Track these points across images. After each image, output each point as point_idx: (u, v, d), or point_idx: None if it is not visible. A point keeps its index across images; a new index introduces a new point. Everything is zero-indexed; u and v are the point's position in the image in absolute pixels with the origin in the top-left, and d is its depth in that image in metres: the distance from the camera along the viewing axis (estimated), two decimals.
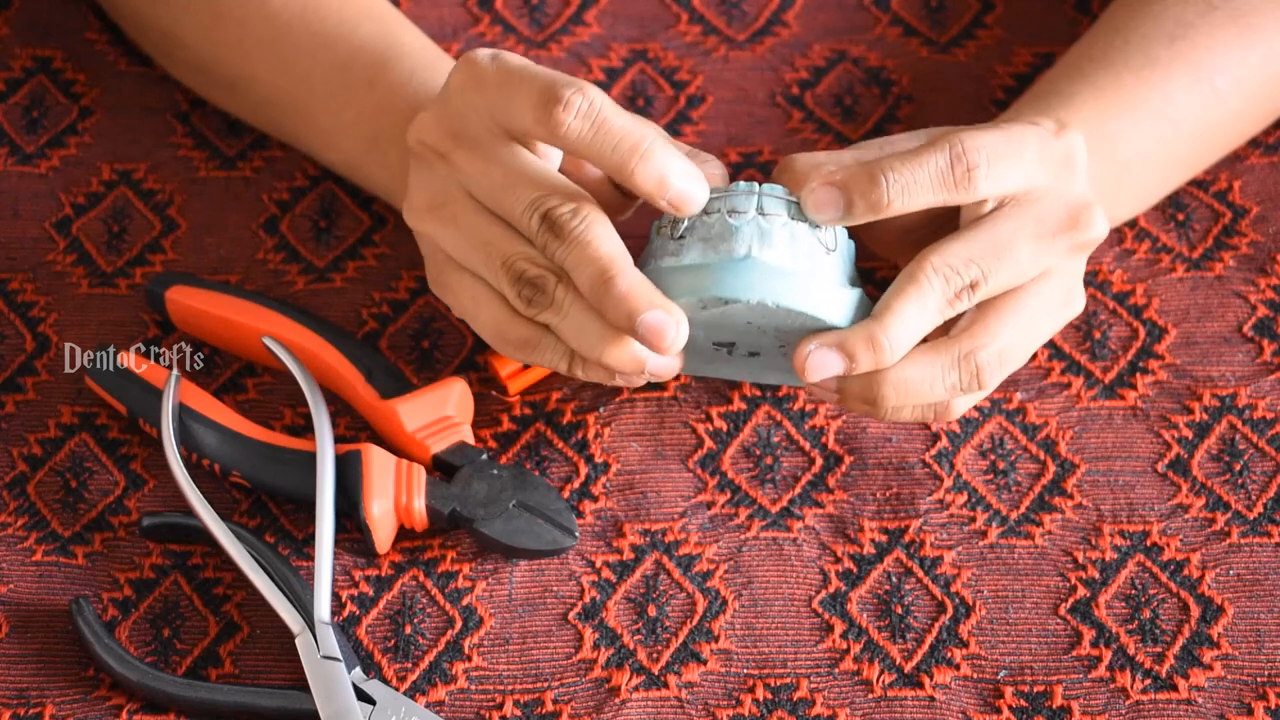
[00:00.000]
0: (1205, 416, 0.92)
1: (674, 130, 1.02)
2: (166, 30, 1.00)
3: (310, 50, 0.94)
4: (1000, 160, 0.81)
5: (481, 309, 0.84)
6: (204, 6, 0.97)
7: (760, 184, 0.82)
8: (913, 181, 0.80)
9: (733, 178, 1.00)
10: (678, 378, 0.93)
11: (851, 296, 0.82)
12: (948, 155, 0.81)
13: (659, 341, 0.79)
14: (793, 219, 0.81)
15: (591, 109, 0.79)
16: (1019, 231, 0.82)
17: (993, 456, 0.91)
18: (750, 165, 1.01)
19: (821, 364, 0.81)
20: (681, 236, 0.82)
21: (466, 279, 0.84)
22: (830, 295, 0.81)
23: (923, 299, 0.81)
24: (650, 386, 0.93)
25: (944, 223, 0.85)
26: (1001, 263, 0.82)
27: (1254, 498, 0.90)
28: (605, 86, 1.04)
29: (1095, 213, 0.84)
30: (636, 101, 1.03)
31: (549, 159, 0.84)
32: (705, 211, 0.81)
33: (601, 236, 0.80)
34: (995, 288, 0.82)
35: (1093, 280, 0.96)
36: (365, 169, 0.94)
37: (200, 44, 0.98)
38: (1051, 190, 0.83)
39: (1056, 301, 0.85)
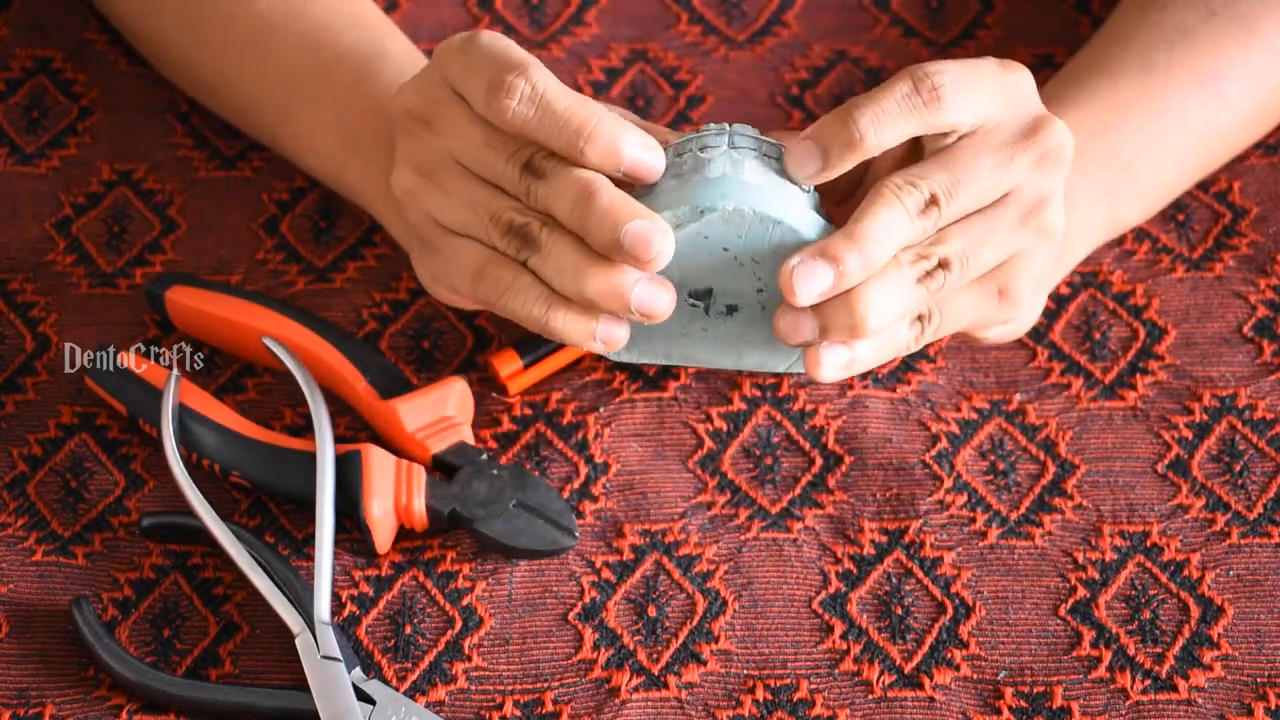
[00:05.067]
0: (1205, 417, 0.92)
1: (674, 130, 1.02)
2: (152, 33, 1.00)
3: (296, 50, 0.94)
4: (962, 80, 0.81)
5: (462, 255, 0.83)
6: (188, 9, 0.97)
7: (730, 125, 0.82)
8: (882, 112, 0.80)
9: None
10: (677, 377, 0.93)
11: (823, 221, 0.81)
12: (910, 80, 0.80)
13: (645, 250, 0.78)
14: (764, 154, 0.81)
15: (534, 93, 0.80)
16: (978, 146, 0.82)
17: (993, 457, 0.91)
18: None
19: (809, 276, 0.79)
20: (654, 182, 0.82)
21: (450, 239, 0.84)
22: (804, 213, 0.81)
23: (892, 208, 0.80)
24: (650, 386, 0.93)
25: None
26: (963, 173, 0.81)
27: (1254, 498, 0.90)
28: (605, 86, 1.04)
29: (1052, 119, 0.83)
30: (636, 101, 1.03)
31: None
32: (677, 154, 0.81)
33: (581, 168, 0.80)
34: (960, 207, 0.82)
35: (1093, 280, 0.96)
36: (342, 171, 0.94)
37: (184, 45, 0.99)
38: (1008, 114, 0.83)
39: (1015, 216, 0.83)
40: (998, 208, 0.83)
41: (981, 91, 0.82)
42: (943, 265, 0.82)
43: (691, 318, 0.84)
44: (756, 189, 0.80)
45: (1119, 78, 0.92)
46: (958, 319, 0.84)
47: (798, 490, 0.90)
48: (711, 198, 0.80)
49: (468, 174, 0.83)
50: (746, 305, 0.83)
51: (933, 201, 0.81)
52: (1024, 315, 0.87)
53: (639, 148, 0.80)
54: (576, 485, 0.90)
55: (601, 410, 0.92)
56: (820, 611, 0.87)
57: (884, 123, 0.80)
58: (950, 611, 0.87)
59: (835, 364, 0.82)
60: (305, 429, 0.92)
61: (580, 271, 0.80)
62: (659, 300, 0.80)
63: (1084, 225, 0.91)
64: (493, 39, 0.82)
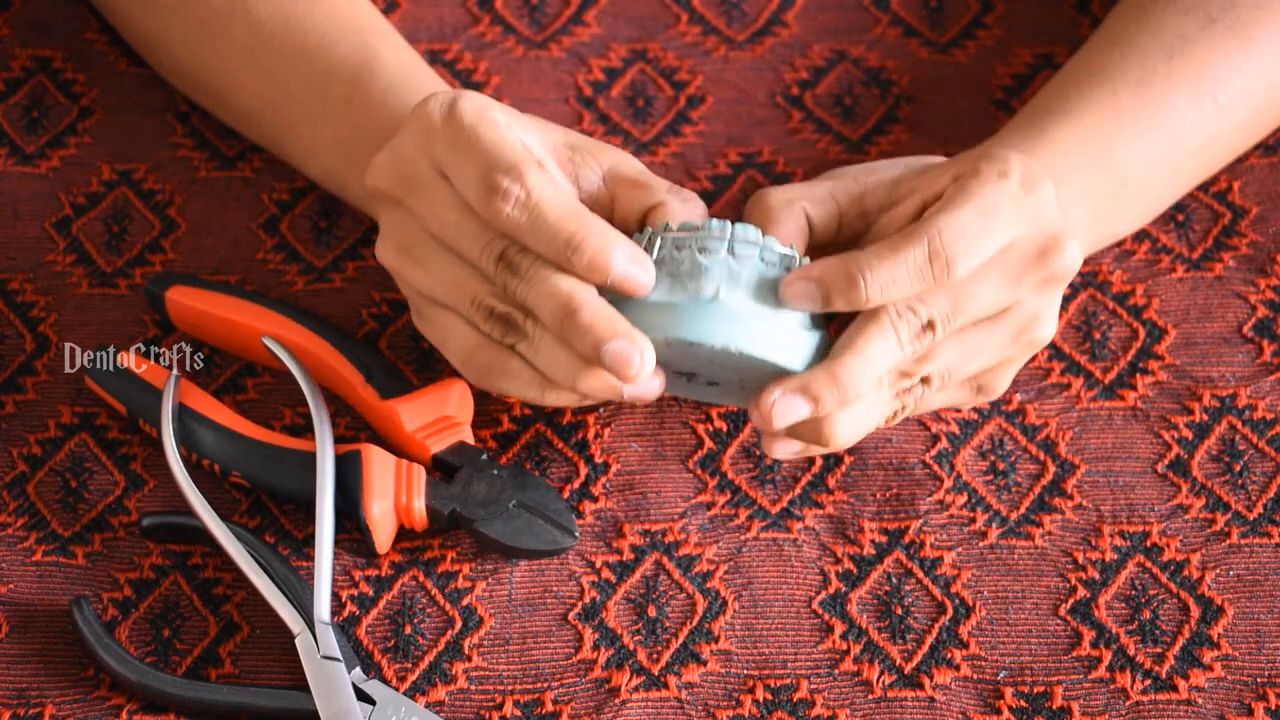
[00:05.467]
0: (1205, 417, 0.92)
1: (674, 130, 1.02)
2: (155, 36, 1.00)
3: (291, 62, 0.94)
4: (976, 242, 0.81)
5: (451, 336, 0.85)
6: (190, 15, 0.97)
7: (733, 223, 0.82)
8: (892, 280, 0.81)
9: (732, 178, 1.00)
10: None
11: (813, 339, 0.83)
12: (926, 251, 0.81)
13: (624, 371, 0.80)
14: (763, 261, 0.82)
15: (528, 200, 0.80)
16: (987, 270, 0.83)
17: (993, 457, 0.91)
18: (750, 165, 1.01)
19: (786, 411, 0.81)
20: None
21: (440, 312, 0.85)
22: (793, 340, 0.82)
23: (884, 337, 0.82)
24: None
25: None
26: (965, 299, 0.82)
27: (1254, 498, 0.90)
28: (605, 86, 1.04)
29: (1065, 243, 0.83)
30: (636, 101, 1.03)
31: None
32: (676, 246, 0.82)
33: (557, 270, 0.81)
34: (955, 327, 0.83)
35: (1093, 280, 0.96)
36: (344, 183, 0.95)
37: (186, 52, 0.98)
38: (1021, 236, 0.83)
39: (1008, 333, 0.84)
40: (992, 323, 0.84)
41: (997, 237, 0.82)
42: (925, 381, 0.84)
43: (674, 379, 0.86)
44: (747, 321, 0.81)
45: (1119, 88, 0.91)
46: (929, 408, 0.87)
47: (798, 490, 0.90)
48: (700, 332, 0.81)
49: (447, 250, 0.84)
50: (727, 384, 0.86)
51: (929, 326, 0.82)
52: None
53: (627, 262, 0.81)
54: (576, 485, 0.90)
55: (601, 410, 0.92)
56: (820, 611, 0.87)
57: (891, 289, 0.81)
58: (950, 611, 0.87)
59: (793, 451, 0.85)
60: (305, 429, 0.92)
61: (573, 370, 0.81)
62: (652, 390, 0.83)
63: None
64: (478, 117, 0.82)
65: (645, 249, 0.82)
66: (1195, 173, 0.95)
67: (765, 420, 0.81)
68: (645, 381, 0.81)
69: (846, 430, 0.83)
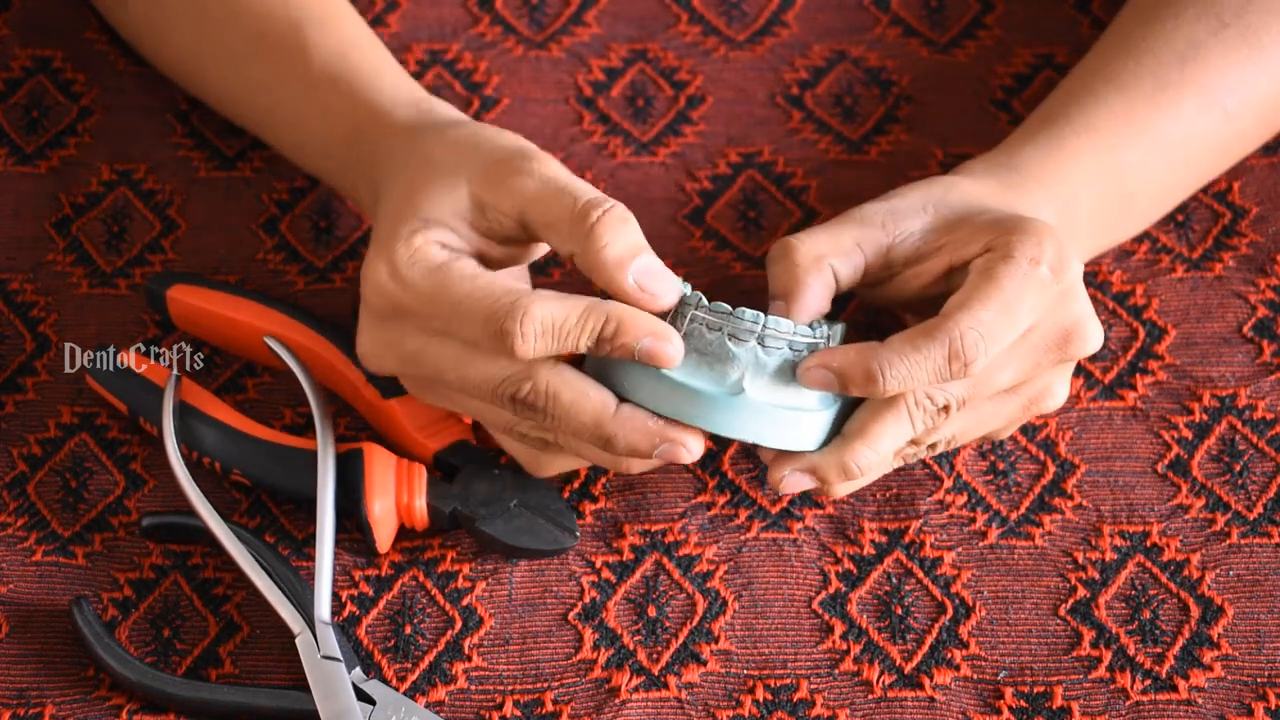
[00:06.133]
0: (1205, 417, 0.92)
1: (674, 130, 1.02)
2: (153, 26, 1.00)
3: (273, 67, 0.94)
4: (998, 340, 0.82)
5: (481, 415, 0.86)
6: (188, 17, 0.97)
7: (766, 315, 0.82)
8: (909, 376, 0.81)
9: (732, 178, 1.00)
10: None
11: (830, 415, 0.84)
12: (946, 351, 0.81)
13: (675, 460, 0.82)
14: (791, 350, 0.82)
15: (542, 327, 0.80)
16: (1007, 357, 0.83)
17: (992, 457, 0.91)
18: (750, 165, 1.01)
19: (795, 485, 0.84)
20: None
21: (461, 398, 0.85)
22: (810, 422, 0.83)
23: (899, 424, 0.83)
24: None
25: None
26: (983, 385, 0.83)
27: (1254, 498, 0.90)
28: (605, 86, 1.04)
29: (1088, 329, 0.84)
30: (636, 101, 1.03)
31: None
32: (708, 327, 0.82)
33: (576, 400, 0.81)
34: (974, 404, 0.84)
35: (1093, 280, 0.96)
36: (336, 182, 0.95)
37: (186, 50, 0.98)
38: (1044, 318, 0.83)
39: (1021, 404, 0.86)
40: (1005, 395, 0.85)
41: (1018, 327, 0.82)
42: (931, 447, 0.85)
43: None
44: (769, 414, 0.82)
45: (1133, 98, 0.91)
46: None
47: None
48: (722, 426, 0.82)
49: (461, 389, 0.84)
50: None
51: (944, 409, 0.83)
52: None
53: (652, 339, 0.81)
54: (576, 485, 0.90)
55: None
56: (820, 611, 0.87)
57: (909, 383, 0.82)
58: (950, 611, 0.87)
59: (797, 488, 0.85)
60: (306, 428, 0.92)
61: (619, 467, 0.85)
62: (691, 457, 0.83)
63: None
64: (433, 272, 0.81)
65: (674, 319, 0.82)
66: (1198, 180, 0.96)
67: (774, 488, 0.84)
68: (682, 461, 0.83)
69: (849, 490, 0.86)
